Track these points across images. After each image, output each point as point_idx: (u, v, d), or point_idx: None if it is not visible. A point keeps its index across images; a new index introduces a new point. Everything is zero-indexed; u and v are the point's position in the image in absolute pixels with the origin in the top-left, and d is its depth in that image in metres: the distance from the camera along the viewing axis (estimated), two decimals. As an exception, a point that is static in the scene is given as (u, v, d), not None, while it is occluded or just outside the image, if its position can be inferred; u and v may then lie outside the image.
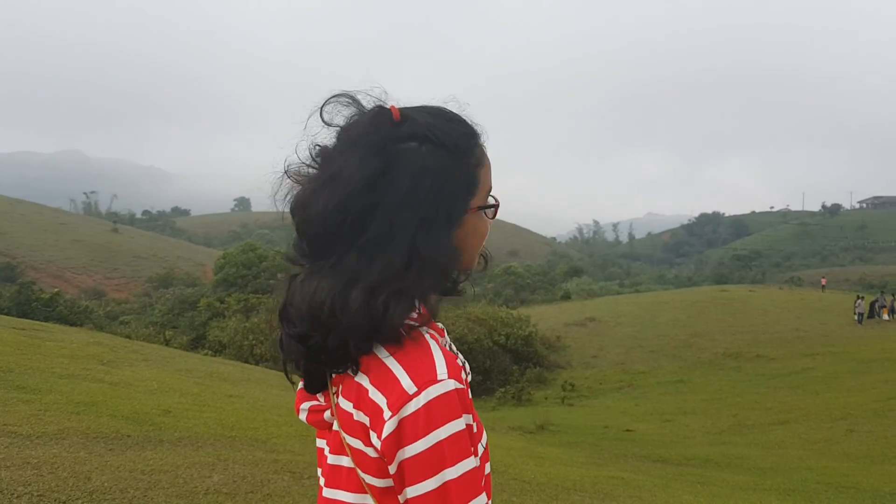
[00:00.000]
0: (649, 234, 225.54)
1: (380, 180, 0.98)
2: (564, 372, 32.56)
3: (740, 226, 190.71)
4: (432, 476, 0.92)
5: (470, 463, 0.95)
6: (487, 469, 1.08)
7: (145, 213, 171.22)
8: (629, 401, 24.91)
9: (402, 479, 0.95)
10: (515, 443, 12.45)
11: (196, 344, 33.90)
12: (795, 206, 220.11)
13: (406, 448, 0.93)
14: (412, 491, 0.93)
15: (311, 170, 1.07)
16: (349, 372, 1.02)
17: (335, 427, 1.05)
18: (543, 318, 44.77)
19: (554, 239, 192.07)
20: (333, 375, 1.05)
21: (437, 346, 1.01)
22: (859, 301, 35.63)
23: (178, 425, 6.73)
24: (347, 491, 1.03)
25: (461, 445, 0.94)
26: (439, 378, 0.95)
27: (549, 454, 11.10)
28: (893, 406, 16.97)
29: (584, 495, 6.57)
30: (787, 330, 33.39)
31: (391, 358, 0.98)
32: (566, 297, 63.62)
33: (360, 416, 0.99)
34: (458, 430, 0.94)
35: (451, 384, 0.95)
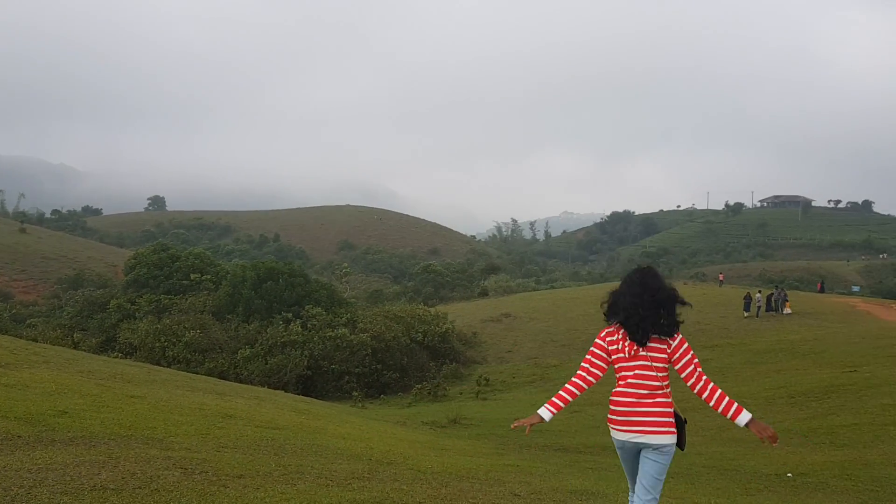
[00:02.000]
0: (565, 232, 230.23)
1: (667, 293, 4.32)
2: (480, 367, 33.11)
3: (649, 224, 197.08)
4: (689, 349, 4.29)
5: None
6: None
7: (55, 212, 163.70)
8: (541, 393, 25.56)
9: (681, 350, 4.22)
10: (423, 437, 12.73)
11: (106, 346, 32.90)
12: (701, 205, 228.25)
13: (680, 344, 4.24)
14: (683, 347, 4.24)
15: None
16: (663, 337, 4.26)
17: (648, 353, 4.21)
18: (461, 314, 45.31)
19: (474, 237, 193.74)
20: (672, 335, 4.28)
21: None
22: (758, 296, 37.52)
23: (73, 425, 6.72)
24: (654, 372, 4.16)
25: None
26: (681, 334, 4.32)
27: (454, 446, 11.42)
28: (783, 394, 18.01)
29: (475, 482, 6.89)
30: (689, 323, 34.06)
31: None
32: (484, 294, 64.50)
33: (664, 347, 4.21)
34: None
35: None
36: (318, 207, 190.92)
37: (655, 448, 4.21)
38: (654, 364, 4.17)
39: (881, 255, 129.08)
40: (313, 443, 8.03)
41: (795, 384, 18.79)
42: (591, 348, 4.44)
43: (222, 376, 25.30)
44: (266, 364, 28.25)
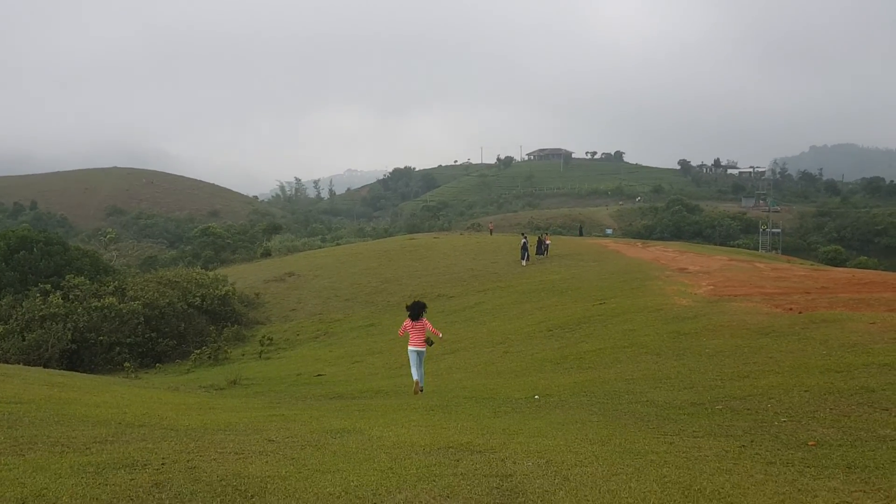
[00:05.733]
0: (349, 189, 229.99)
1: (422, 304, 13.22)
2: (264, 327, 32.68)
3: (430, 179, 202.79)
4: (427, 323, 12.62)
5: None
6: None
7: None
8: (324, 348, 25.81)
9: (427, 323, 12.57)
10: (193, 399, 12.45)
11: None
12: (476, 160, 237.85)
13: (426, 322, 12.57)
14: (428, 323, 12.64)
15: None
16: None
17: (420, 325, 12.47)
18: (243, 276, 44.23)
19: (256, 198, 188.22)
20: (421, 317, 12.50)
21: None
22: (523, 241, 40.14)
23: None
24: (422, 338, 12.47)
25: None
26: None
27: (225, 405, 11.29)
28: (542, 328, 19.56)
29: (232, 434, 6.91)
30: (464, 270, 36.68)
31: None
32: (267, 254, 63.27)
33: (425, 324, 12.51)
34: None
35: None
36: (80, 171, 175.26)
37: (423, 351, 12.37)
38: (421, 328, 12.19)
39: (637, 199, 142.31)
40: (58, 413, 7.60)
41: (553, 318, 20.49)
42: (403, 325, 12.47)
43: (-29, 358, 22.93)
44: (24, 341, 25.97)
